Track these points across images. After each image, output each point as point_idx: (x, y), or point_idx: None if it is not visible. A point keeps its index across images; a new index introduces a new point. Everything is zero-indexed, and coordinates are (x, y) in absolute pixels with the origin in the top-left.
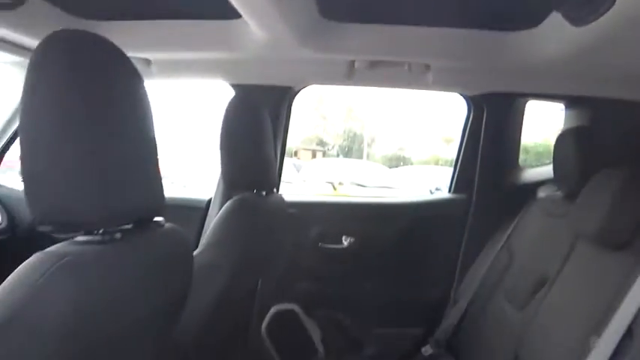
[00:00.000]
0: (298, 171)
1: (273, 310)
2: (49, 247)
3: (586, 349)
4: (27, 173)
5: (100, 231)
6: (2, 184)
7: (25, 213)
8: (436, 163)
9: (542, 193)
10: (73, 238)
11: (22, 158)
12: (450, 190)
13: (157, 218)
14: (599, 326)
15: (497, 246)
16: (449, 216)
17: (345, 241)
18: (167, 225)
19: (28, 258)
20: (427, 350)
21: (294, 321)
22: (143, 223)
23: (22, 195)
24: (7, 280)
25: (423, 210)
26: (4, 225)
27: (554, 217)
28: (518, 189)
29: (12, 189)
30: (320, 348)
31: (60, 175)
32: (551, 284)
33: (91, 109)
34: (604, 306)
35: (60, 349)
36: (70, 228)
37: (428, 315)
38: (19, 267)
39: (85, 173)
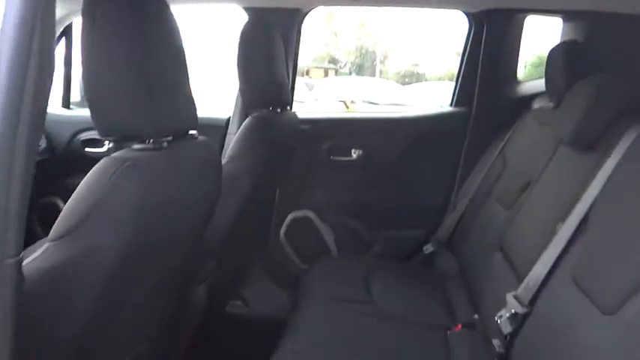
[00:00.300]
0: (310, 90)
1: (290, 217)
2: (83, 164)
3: (553, 234)
4: (92, 97)
5: (150, 141)
6: None
7: (61, 135)
8: (451, 79)
9: (536, 105)
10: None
11: (86, 85)
12: (451, 104)
13: (191, 132)
14: (565, 215)
15: (493, 155)
16: (450, 128)
17: (354, 154)
18: (200, 137)
19: (66, 175)
20: (428, 248)
21: (310, 226)
22: (182, 135)
23: (58, 118)
24: (82, 183)
25: (426, 123)
26: (44, 146)
27: (543, 126)
28: (515, 101)
29: (48, 112)
30: (333, 248)
31: (118, 97)
32: (533, 185)
33: (138, 41)
34: (571, 199)
35: (130, 239)
36: (127, 138)
37: (429, 218)
38: (90, 171)
39: (137, 95)
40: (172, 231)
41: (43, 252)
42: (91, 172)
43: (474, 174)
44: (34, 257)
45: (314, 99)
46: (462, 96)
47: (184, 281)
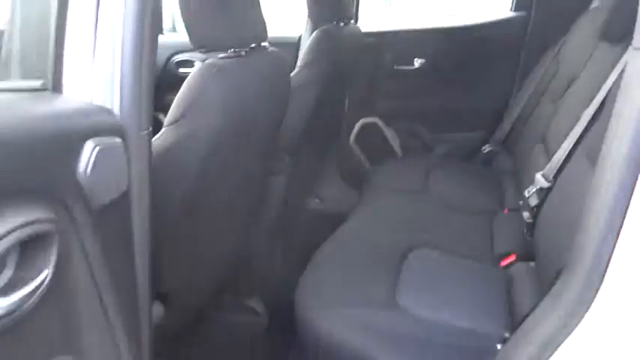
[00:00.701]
0: (390, 5)
1: (359, 124)
2: (178, 82)
3: (577, 121)
4: (186, 18)
5: (231, 50)
6: None
7: (158, 58)
8: None
9: (593, 5)
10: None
11: (183, 8)
12: (511, 9)
13: (263, 43)
14: (589, 103)
15: (550, 57)
16: (510, 33)
17: (417, 63)
18: (271, 48)
19: (164, 93)
20: (486, 148)
21: (377, 131)
22: (256, 46)
23: None
24: (184, 84)
25: (486, 30)
26: None
27: (591, 24)
28: (574, 2)
29: None
30: (399, 151)
31: (206, 16)
32: (574, 82)
33: None
34: (597, 88)
35: (220, 123)
36: (214, 49)
37: (489, 120)
38: (189, 75)
39: (220, 14)
40: (252, 121)
41: (161, 135)
42: (189, 75)
43: (532, 76)
44: (155, 138)
45: (392, 14)
46: (521, 0)
47: (266, 171)
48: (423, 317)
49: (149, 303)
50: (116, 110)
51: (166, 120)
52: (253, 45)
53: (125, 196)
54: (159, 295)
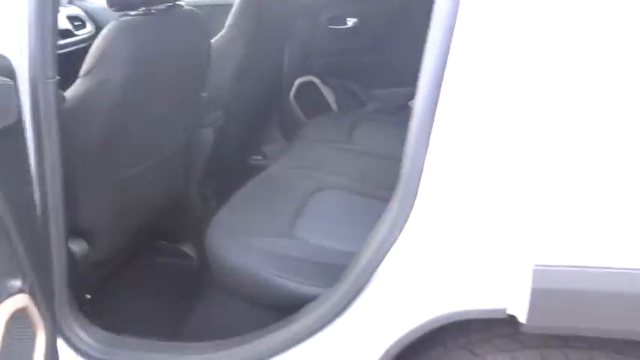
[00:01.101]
0: None
1: (297, 82)
2: None
3: None
4: None
5: (142, 9)
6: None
7: (106, 21)
8: None
9: None
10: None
11: None
12: None
13: (179, 2)
14: None
15: None
16: None
17: (350, 22)
18: (187, 7)
19: None
20: (412, 102)
21: (314, 89)
22: (172, 5)
23: (104, 8)
24: (96, 39)
25: None
26: (93, 32)
27: None
28: None
29: (95, 3)
30: (335, 108)
31: None
32: None
33: None
34: None
35: (127, 73)
36: (125, 7)
37: (417, 76)
38: (102, 31)
39: None
40: (164, 73)
41: (75, 85)
42: (101, 32)
43: None
44: (70, 89)
45: None
46: None
47: (194, 122)
48: (312, 243)
49: (64, 235)
50: (23, 60)
51: (80, 72)
52: (170, 4)
53: (16, 126)
54: (82, 231)
